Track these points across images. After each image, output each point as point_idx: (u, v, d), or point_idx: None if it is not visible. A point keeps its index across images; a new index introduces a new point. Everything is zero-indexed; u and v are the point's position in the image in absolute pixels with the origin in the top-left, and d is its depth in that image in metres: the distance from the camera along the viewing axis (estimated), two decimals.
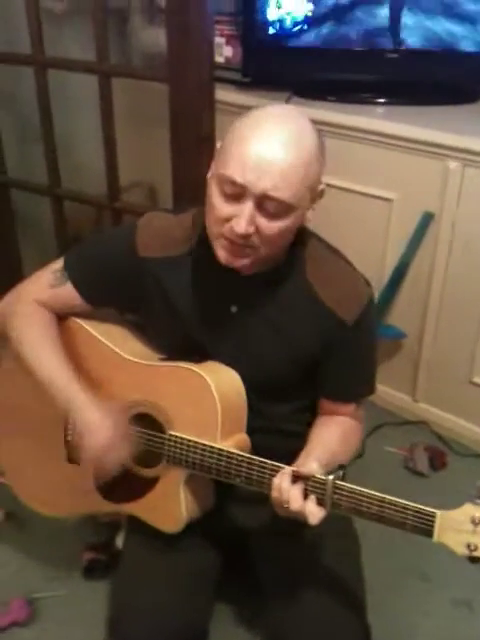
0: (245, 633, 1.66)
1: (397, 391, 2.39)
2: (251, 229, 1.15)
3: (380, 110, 2.25)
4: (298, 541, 1.40)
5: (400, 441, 2.26)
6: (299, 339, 1.33)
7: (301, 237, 1.32)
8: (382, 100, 2.26)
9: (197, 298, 1.35)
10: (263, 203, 1.14)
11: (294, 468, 1.19)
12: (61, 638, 1.65)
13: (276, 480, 1.19)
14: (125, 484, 1.40)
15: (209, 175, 1.23)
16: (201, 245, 1.32)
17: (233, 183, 1.13)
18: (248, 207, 1.14)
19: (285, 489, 1.17)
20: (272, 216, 1.16)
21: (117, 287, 1.40)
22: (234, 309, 1.34)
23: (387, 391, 2.38)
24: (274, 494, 1.19)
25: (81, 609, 1.72)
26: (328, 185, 1.27)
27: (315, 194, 1.22)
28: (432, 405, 2.34)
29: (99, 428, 1.31)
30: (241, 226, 1.14)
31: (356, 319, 1.32)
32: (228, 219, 1.16)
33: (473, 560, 1.11)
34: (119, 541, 1.74)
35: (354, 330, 1.32)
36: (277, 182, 1.12)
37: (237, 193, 1.14)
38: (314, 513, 1.15)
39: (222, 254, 1.22)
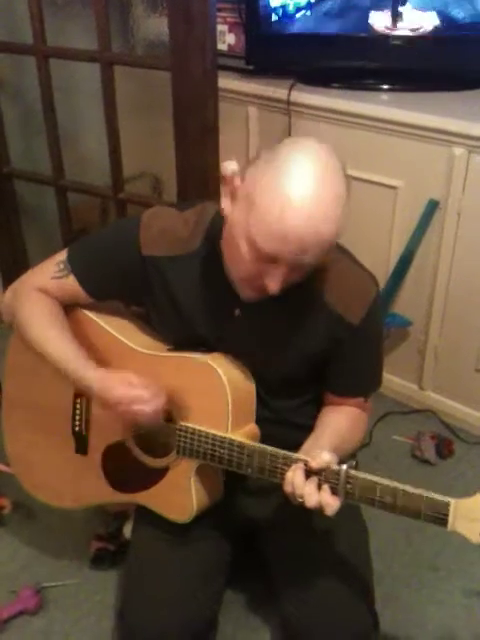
0: (254, 622, 1.67)
1: (404, 380, 2.39)
2: (283, 286, 1.14)
3: (384, 97, 2.24)
4: (307, 531, 1.40)
5: (407, 429, 2.26)
6: (304, 341, 1.32)
7: None
8: (386, 86, 2.25)
9: (201, 298, 1.34)
10: (298, 266, 1.13)
11: (306, 459, 1.18)
12: (70, 627, 1.66)
13: (289, 475, 1.18)
14: (134, 474, 1.40)
15: (228, 209, 1.17)
16: (206, 245, 1.31)
17: (268, 255, 1.10)
18: (282, 272, 1.12)
19: (299, 485, 1.16)
20: (303, 272, 1.16)
21: (120, 282, 1.39)
22: (237, 312, 1.32)
23: (394, 380, 2.37)
24: (287, 489, 1.18)
25: (90, 598, 1.73)
26: None
27: None
28: (439, 393, 2.34)
29: (112, 376, 1.31)
30: (275, 288, 1.13)
31: (363, 319, 1.31)
32: (259, 275, 1.14)
33: None
34: (127, 531, 1.75)
35: (361, 330, 1.31)
36: (316, 253, 1.10)
37: (271, 259, 1.11)
38: (330, 504, 1.15)
39: (247, 295, 1.21)
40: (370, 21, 2.15)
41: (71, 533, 1.87)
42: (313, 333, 1.32)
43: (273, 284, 1.13)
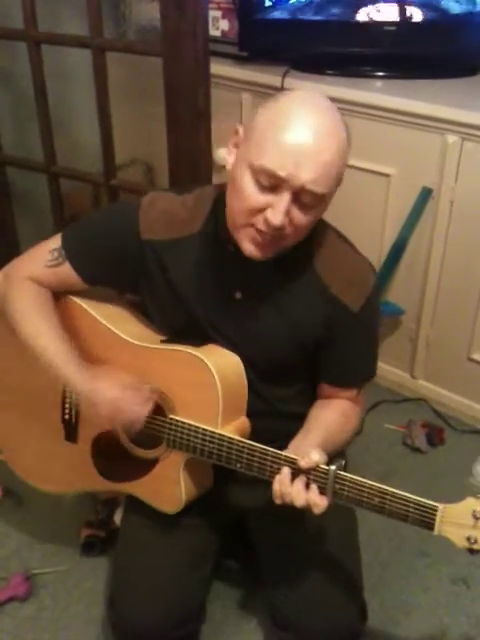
0: (243, 610, 1.68)
1: (396, 368, 2.39)
2: (286, 221, 1.13)
3: (378, 84, 2.23)
4: (296, 520, 1.38)
5: (399, 418, 2.27)
6: (303, 324, 1.32)
7: None
8: (381, 74, 2.24)
9: (200, 282, 1.32)
10: (299, 195, 1.12)
11: (295, 458, 1.17)
12: (60, 613, 1.67)
13: (277, 476, 1.18)
14: (124, 464, 1.40)
15: (230, 163, 1.20)
16: (208, 227, 1.30)
17: (272, 175, 1.11)
18: (285, 199, 1.12)
19: (287, 484, 1.17)
20: (306, 208, 1.14)
21: (117, 267, 1.37)
22: (239, 295, 1.31)
23: (386, 368, 2.38)
24: (276, 487, 1.18)
25: (80, 585, 1.73)
26: None
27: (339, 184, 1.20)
28: (431, 382, 2.34)
29: (101, 392, 1.30)
30: (278, 218, 1.12)
31: (361, 306, 1.30)
32: (261, 210, 1.14)
33: (472, 552, 1.11)
34: (117, 518, 1.75)
35: (359, 317, 1.31)
36: (318, 176, 1.10)
37: (274, 185, 1.12)
38: (318, 504, 1.15)
39: (249, 248, 1.19)
40: (365, 8, 2.14)
41: (61, 520, 1.88)
42: (312, 318, 1.31)
43: (275, 215, 1.12)
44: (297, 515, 1.36)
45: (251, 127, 1.16)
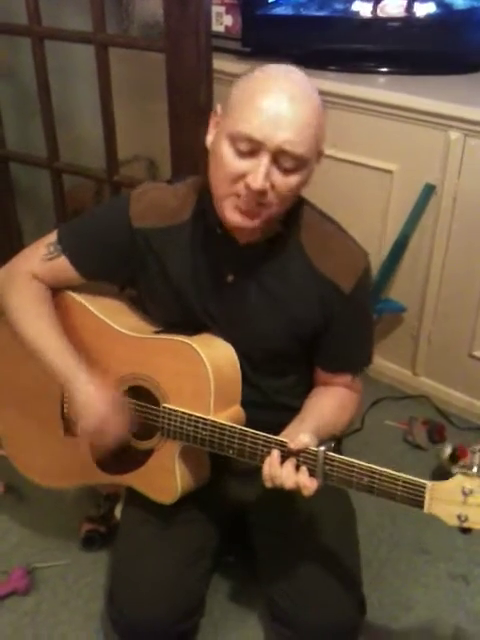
0: (242, 606, 1.68)
1: (397, 365, 2.39)
2: (267, 184, 1.14)
3: (382, 80, 2.22)
4: (295, 513, 1.40)
5: (400, 415, 2.27)
6: (297, 309, 1.32)
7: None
8: (384, 70, 2.23)
9: (193, 267, 1.34)
10: (278, 158, 1.14)
11: (285, 440, 1.18)
12: (60, 607, 1.67)
13: (267, 458, 1.19)
14: (121, 456, 1.41)
15: (210, 140, 1.22)
16: (198, 213, 1.32)
17: (249, 139, 1.12)
18: (264, 162, 1.13)
19: (277, 466, 1.18)
20: (286, 171, 1.15)
21: (112, 259, 1.39)
22: (230, 278, 1.32)
23: (387, 365, 2.38)
24: (266, 470, 1.19)
25: (80, 580, 1.74)
26: (328, 157, 1.25)
27: (319, 153, 1.21)
28: (432, 379, 2.34)
29: (94, 406, 1.32)
30: (258, 181, 1.12)
31: (353, 287, 1.31)
32: (242, 176, 1.15)
33: (464, 531, 1.11)
34: (118, 512, 1.75)
35: (350, 299, 1.31)
36: (293, 135, 1.12)
37: (252, 149, 1.13)
38: (307, 485, 1.16)
39: (233, 216, 1.19)
40: (368, 4, 2.14)
41: (62, 515, 1.88)
42: (304, 301, 1.32)
43: (255, 178, 1.13)
44: (295, 509, 1.38)
45: (227, 101, 1.18)
